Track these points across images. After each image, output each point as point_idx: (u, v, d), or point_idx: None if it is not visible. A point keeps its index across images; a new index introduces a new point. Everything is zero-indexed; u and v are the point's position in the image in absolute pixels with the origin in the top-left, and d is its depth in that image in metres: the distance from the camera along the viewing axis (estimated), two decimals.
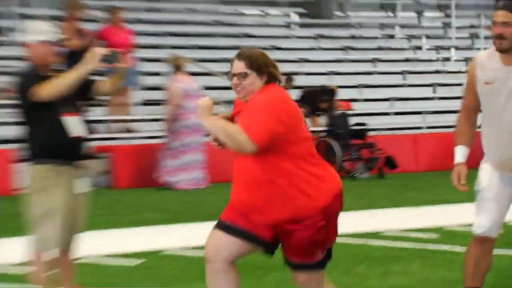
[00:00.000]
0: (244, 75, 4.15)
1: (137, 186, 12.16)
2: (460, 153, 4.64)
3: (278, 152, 4.10)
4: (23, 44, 5.10)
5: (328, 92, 14.07)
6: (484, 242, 4.73)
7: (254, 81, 4.17)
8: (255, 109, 4.13)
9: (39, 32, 5.06)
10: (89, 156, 5.81)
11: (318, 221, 4.16)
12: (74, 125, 5.28)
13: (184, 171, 11.96)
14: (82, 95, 5.19)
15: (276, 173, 4.11)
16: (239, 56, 4.18)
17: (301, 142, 4.16)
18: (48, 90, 4.82)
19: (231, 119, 4.27)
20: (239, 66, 4.17)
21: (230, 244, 4.22)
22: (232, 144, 4.08)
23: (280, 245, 4.28)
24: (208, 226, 4.60)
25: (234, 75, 4.18)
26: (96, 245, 7.08)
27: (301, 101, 13.12)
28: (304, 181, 4.14)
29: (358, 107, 15.31)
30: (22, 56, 5.79)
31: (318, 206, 4.15)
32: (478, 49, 17.86)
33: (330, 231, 4.24)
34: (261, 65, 4.20)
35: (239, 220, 4.23)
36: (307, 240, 4.20)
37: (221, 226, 4.25)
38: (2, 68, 12.58)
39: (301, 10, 19.32)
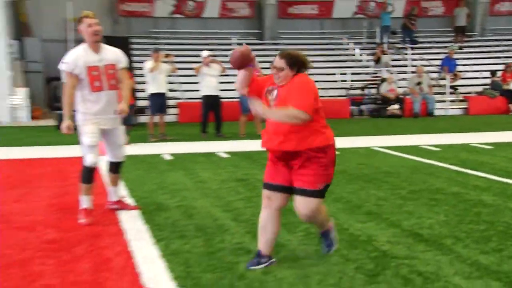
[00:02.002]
0: (281, 69, 4.64)
1: None
2: None
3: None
4: None
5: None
6: None
7: (287, 72, 4.64)
8: (299, 91, 4.55)
9: None
10: None
11: (332, 152, 4.70)
12: None
13: None
14: None
15: (307, 126, 4.60)
16: (280, 55, 4.66)
17: (319, 110, 4.68)
18: None
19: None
20: (280, 63, 4.63)
21: (277, 197, 4.76)
22: (294, 120, 4.50)
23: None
24: None
25: (275, 67, 4.65)
26: None
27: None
28: (320, 131, 4.65)
29: None
30: None
31: (331, 141, 4.71)
32: None
33: (331, 171, 4.71)
34: (294, 62, 4.63)
35: (278, 179, 4.72)
36: (323, 167, 4.63)
37: (267, 186, 4.77)
38: None
39: None
